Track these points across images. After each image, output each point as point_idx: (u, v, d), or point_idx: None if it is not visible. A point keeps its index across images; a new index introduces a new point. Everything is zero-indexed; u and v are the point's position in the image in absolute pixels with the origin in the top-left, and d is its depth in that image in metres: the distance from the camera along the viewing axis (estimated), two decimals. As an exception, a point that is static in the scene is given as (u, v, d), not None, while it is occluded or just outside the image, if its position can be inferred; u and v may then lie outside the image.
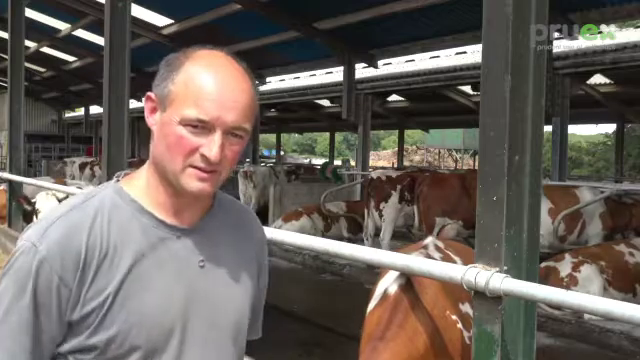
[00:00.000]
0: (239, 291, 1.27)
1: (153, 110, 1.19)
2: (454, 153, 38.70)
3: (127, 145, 4.58)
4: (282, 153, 30.82)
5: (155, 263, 1.15)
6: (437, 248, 2.94)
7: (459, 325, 2.51)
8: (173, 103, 1.14)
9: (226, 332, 1.23)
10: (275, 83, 18.08)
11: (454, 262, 2.69)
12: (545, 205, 7.35)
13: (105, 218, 1.14)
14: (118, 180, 1.24)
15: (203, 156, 1.12)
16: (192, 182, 1.14)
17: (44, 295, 1.09)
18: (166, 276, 1.16)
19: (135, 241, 1.15)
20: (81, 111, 25.22)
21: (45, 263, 1.08)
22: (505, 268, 1.73)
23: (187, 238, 1.20)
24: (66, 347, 1.12)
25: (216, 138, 1.12)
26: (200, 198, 1.21)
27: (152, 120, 1.19)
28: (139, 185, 1.22)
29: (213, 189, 1.18)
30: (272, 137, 32.31)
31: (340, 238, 9.61)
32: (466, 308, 2.52)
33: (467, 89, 15.76)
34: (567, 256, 6.55)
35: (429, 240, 3.03)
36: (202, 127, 1.12)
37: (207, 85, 1.13)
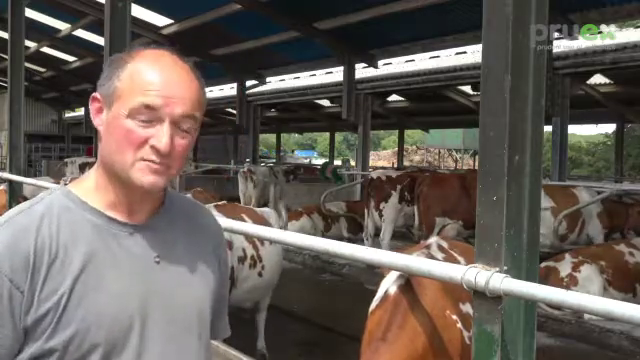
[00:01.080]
0: (198, 285, 1.26)
1: (99, 110, 1.19)
2: (454, 153, 38.70)
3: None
4: (312, 154, 29.60)
5: (109, 261, 1.15)
6: (440, 248, 2.94)
7: (459, 325, 2.51)
8: (120, 98, 1.14)
9: (187, 326, 1.23)
10: (275, 83, 18.06)
11: (458, 262, 2.69)
12: (548, 204, 7.38)
13: (54, 220, 1.14)
14: (65, 184, 1.25)
15: (153, 147, 1.13)
16: (143, 176, 1.14)
17: None
18: (121, 273, 1.15)
19: (87, 240, 1.14)
20: (81, 111, 25.19)
21: None
22: (505, 268, 1.73)
23: (140, 234, 1.20)
24: (25, 356, 1.10)
25: (165, 128, 1.13)
26: (151, 194, 1.20)
27: (99, 120, 1.19)
28: (87, 186, 1.22)
29: (164, 183, 1.18)
30: (272, 137, 32.28)
31: (340, 238, 9.61)
32: (467, 308, 2.52)
33: (467, 89, 15.75)
34: (567, 256, 6.56)
35: (432, 240, 3.04)
36: (150, 119, 1.13)
37: (154, 78, 1.14)
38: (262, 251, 4.68)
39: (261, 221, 4.87)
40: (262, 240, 4.59)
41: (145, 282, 1.18)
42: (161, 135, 1.12)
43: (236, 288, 4.35)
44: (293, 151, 46.53)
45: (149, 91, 1.13)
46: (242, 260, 4.50)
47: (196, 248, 1.29)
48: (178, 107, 1.14)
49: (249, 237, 4.42)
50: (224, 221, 2.64)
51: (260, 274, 4.65)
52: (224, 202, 5.41)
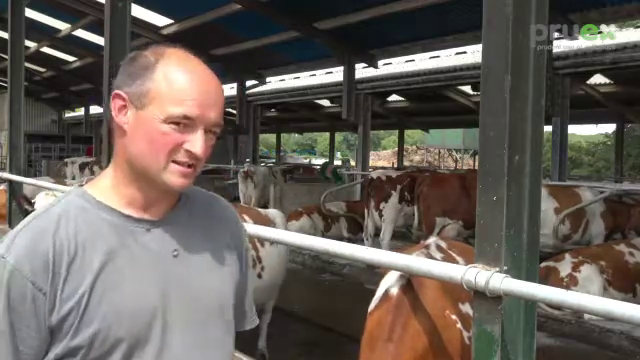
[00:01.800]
0: (218, 275, 1.28)
1: (122, 108, 1.20)
2: (454, 153, 38.69)
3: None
4: (336, 155, 28.07)
5: (127, 258, 1.17)
6: (439, 248, 2.94)
7: (459, 325, 2.52)
8: (154, 101, 1.16)
9: (210, 316, 1.24)
10: (275, 83, 18.06)
11: (456, 262, 2.69)
12: (551, 204, 7.38)
13: (71, 221, 1.15)
14: (81, 185, 1.26)
15: (188, 152, 1.16)
16: (175, 178, 1.17)
17: (18, 302, 1.10)
18: (140, 268, 1.17)
19: (104, 239, 1.16)
20: (81, 111, 25.19)
21: (15, 272, 1.10)
22: (505, 268, 1.73)
23: (157, 230, 1.22)
24: (51, 356, 1.12)
25: (199, 134, 1.16)
26: (172, 192, 1.23)
27: (124, 119, 1.20)
28: (105, 185, 1.24)
29: (191, 184, 1.22)
30: (272, 137, 32.28)
31: (340, 238, 9.61)
32: (466, 308, 2.53)
33: (467, 89, 15.74)
34: (567, 256, 6.56)
35: (431, 240, 3.04)
36: (185, 125, 1.15)
37: (189, 85, 1.16)
38: (262, 252, 4.63)
39: (263, 222, 4.81)
40: (262, 241, 4.55)
41: (164, 276, 1.19)
42: (196, 140, 1.16)
43: None
44: (315, 154, 46.50)
45: (187, 101, 1.15)
46: None
47: (214, 240, 1.30)
48: (212, 116, 1.18)
49: (249, 238, 4.35)
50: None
51: (259, 275, 4.60)
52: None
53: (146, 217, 1.22)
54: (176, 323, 1.19)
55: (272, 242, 4.55)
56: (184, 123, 1.15)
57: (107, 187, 1.23)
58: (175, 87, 1.16)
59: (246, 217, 4.70)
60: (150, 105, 1.16)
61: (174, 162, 1.17)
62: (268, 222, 4.93)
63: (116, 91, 1.20)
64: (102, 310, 1.12)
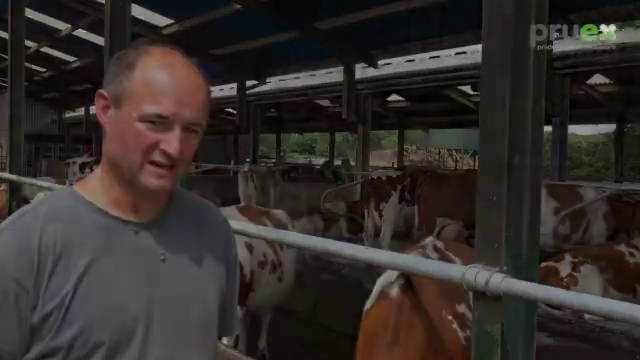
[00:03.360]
0: (205, 281, 1.26)
1: (105, 108, 1.18)
2: (454, 153, 38.67)
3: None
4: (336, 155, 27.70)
5: (114, 259, 1.15)
6: (436, 248, 2.94)
7: (455, 325, 2.52)
8: (130, 100, 1.14)
9: (194, 322, 1.23)
10: (275, 83, 18.03)
11: (453, 262, 2.69)
12: (551, 205, 7.37)
13: (58, 220, 1.14)
14: (71, 184, 1.25)
15: (163, 152, 1.13)
16: (151, 179, 1.14)
17: (0, 300, 1.08)
18: (126, 271, 1.16)
19: (91, 240, 1.14)
20: (81, 111, 25.17)
21: None
22: (505, 268, 1.73)
23: (145, 233, 1.20)
24: (32, 354, 1.11)
25: (176, 134, 1.13)
26: (157, 194, 1.21)
27: (106, 118, 1.18)
28: (93, 186, 1.22)
29: (172, 186, 1.19)
30: (272, 137, 32.25)
31: (340, 238, 9.60)
32: (461, 308, 2.53)
33: (467, 89, 15.74)
34: (567, 256, 6.55)
35: (428, 240, 3.04)
36: (160, 123, 1.12)
37: (164, 82, 1.13)
38: (282, 256, 4.59)
39: (282, 225, 4.78)
40: (281, 245, 4.50)
41: (150, 280, 1.18)
42: (172, 140, 1.13)
43: (255, 292, 4.27)
44: (315, 154, 46.69)
45: (162, 99, 1.12)
46: (263, 265, 4.38)
47: (203, 245, 1.29)
48: (189, 114, 1.14)
49: (269, 241, 4.26)
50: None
51: (280, 279, 4.55)
52: (243, 204, 5.30)
53: (134, 219, 1.20)
54: (159, 327, 1.17)
55: (271, 242, 4.53)
56: (159, 122, 1.12)
57: (96, 187, 1.21)
58: (149, 85, 1.13)
59: (268, 222, 4.63)
60: (126, 104, 1.14)
61: (151, 163, 1.14)
62: (284, 224, 4.90)
63: (100, 90, 1.19)
64: (84, 312, 1.10)
